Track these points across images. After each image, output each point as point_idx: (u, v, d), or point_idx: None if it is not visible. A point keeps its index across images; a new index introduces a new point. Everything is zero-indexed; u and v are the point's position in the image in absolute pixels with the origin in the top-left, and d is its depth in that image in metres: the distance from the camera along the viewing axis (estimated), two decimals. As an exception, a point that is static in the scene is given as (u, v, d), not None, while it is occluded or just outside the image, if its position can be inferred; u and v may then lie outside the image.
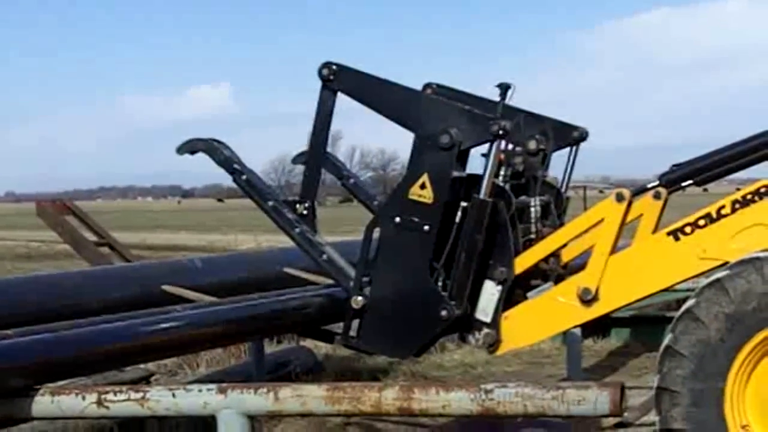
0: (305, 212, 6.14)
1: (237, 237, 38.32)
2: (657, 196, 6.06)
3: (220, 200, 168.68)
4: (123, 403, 4.49)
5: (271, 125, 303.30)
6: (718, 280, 5.12)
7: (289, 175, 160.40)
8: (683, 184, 6.11)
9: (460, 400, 4.17)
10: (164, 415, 4.58)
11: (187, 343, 5.89)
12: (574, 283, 5.86)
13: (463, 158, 5.94)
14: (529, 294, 6.20)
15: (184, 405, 4.45)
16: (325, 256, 6.09)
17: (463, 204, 5.77)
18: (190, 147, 6.29)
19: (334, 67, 6.03)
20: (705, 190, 6.24)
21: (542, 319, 5.95)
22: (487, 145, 5.85)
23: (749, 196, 5.54)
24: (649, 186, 6.09)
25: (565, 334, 9.40)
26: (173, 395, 4.45)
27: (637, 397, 9.39)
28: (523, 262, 5.99)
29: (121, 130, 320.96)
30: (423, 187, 5.76)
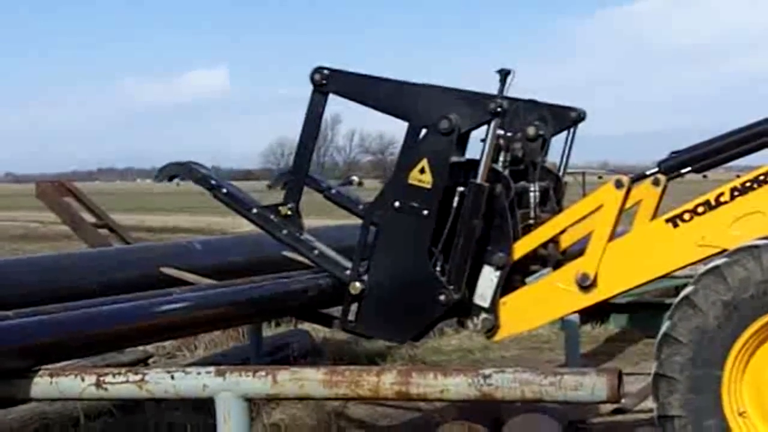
0: (289, 213, 6.14)
1: (235, 219, 38.31)
2: (656, 183, 6.07)
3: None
4: (121, 385, 4.50)
5: (270, 109, 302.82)
6: (716, 267, 5.12)
7: (288, 159, 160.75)
8: (682, 171, 6.09)
9: (458, 385, 4.18)
10: (163, 397, 4.59)
11: (186, 326, 5.90)
12: (573, 268, 5.85)
13: (462, 143, 5.95)
14: (527, 279, 6.20)
15: (183, 387, 4.46)
16: (316, 251, 6.12)
17: (460, 189, 5.78)
18: (167, 173, 6.36)
19: (326, 71, 6.04)
20: (704, 176, 6.24)
21: (540, 304, 5.94)
22: (485, 130, 5.86)
23: (748, 184, 5.54)
24: (648, 173, 6.08)
25: (563, 320, 9.40)
26: (172, 377, 4.46)
27: (635, 383, 9.41)
28: (521, 248, 5.98)
29: (120, 112, 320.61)
30: (422, 171, 5.77)
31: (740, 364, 5.11)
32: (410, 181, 5.79)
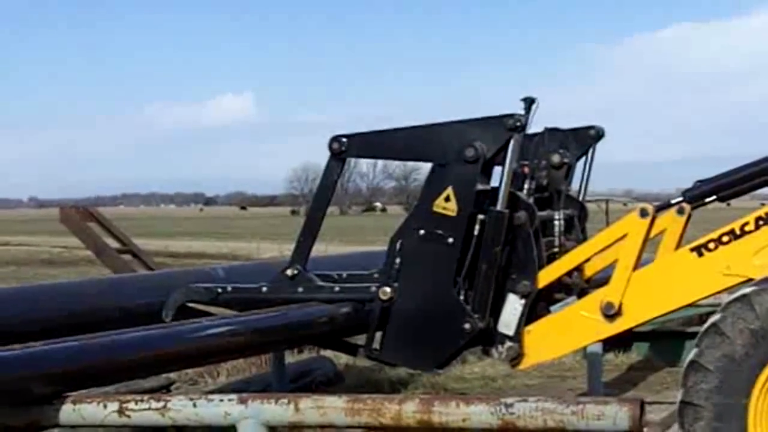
0: (296, 272, 6.22)
1: (260, 245, 38.38)
2: (680, 212, 6.05)
3: (243, 208, 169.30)
4: (144, 412, 4.51)
5: (294, 134, 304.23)
6: (744, 295, 5.11)
7: (312, 184, 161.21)
8: (707, 200, 6.08)
9: (480, 414, 4.18)
10: (185, 424, 4.60)
11: (214, 353, 5.89)
12: (598, 297, 5.87)
13: (487, 171, 5.96)
14: (552, 308, 6.21)
15: (205, 415, 4.47)
16: (337, 288, 6.20)
17: (481, 217, 5.79)
18: (174, 305, 6.43)
19: (344, 139, 6.12)
20: (728, 204, 6.24)
21: (565, 333, 5.96)
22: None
23: None
24: (673, 201, 6.08)
25: (586, 349, 9.38)
26: (194, 405, 4.46)
27: (658, 412, 9.37)
28: (546, 276, 6.00)
29: (144, 137, 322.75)
30: (447, 199, 5.80)
31: (766, 394, 5.08)
32: (435, 209, 5.82)
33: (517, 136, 5.84)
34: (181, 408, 4.47)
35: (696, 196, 6.07)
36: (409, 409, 4.25)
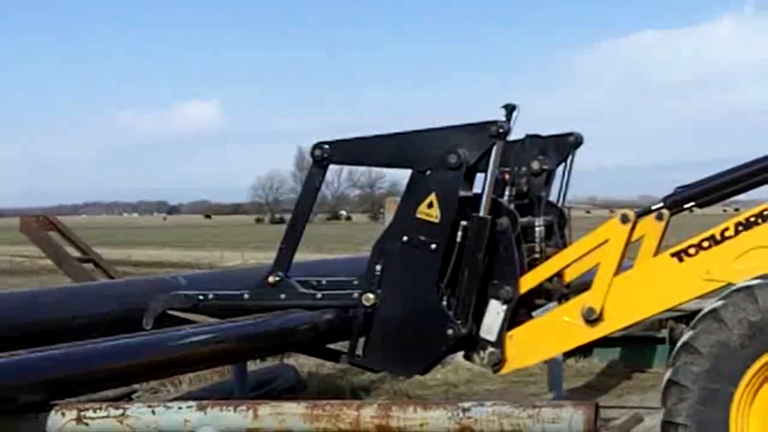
0: (278, 279, 6.23)
1: (223, 254, 38.31)
2: (659, 218, 6.06)
3: (207, 216, 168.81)
4: (103, 420, 4.51)
5: (259, 142, 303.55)
6: (749, 286, 5.17)
7: (277, 193, 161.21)
8: (686, 206, 6.12)
9: (438, 418, 4.22)
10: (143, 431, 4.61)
11: (199, 361, 5.91)
12: (579, 303, 5.91)
13: (470, 178, 6.01)
14: (534, 313, 6.25)
15: (164, 422, 4.48)
16: (319, 296, 6.24)
17: (464, 223, 5.84)
18: (152, 314, 6.39)
19: (326, 146, 6.17)
20: (690, 210, 6.31)
21: (547, 338, 6.00)
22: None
23: (752, 219, 5.61)
24: (654, 207, 6.09)
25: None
26: (153, 412, 4.47)
27: (618, 417, 9.46)
28: (528, 282, 6.04)
29: (106, 146, 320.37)
30: (431, 206, 5.83)
31: (753, 386, 5.15)
32: (418, 216, 5.85)
33: (500, 143, 5.88)
34: (139, 415, 4.48)
35: (677, 201, 6.09)
36: (368, 415, 4.28)
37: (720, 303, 5.19)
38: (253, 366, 11.19)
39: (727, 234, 5.63)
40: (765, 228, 5.59)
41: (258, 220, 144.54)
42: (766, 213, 5.59)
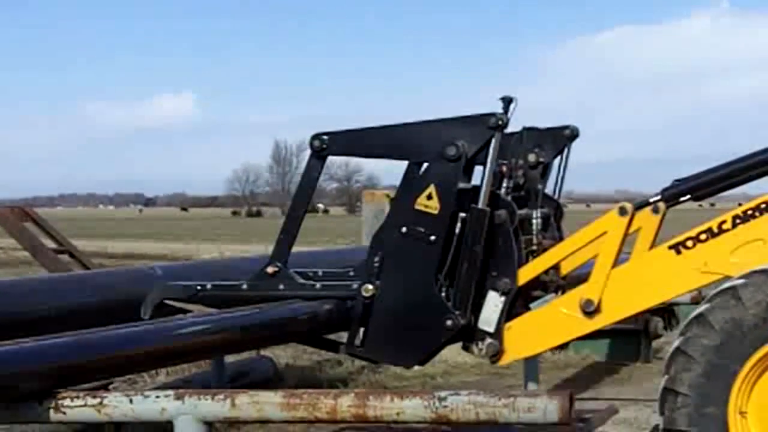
0: (277, 269, 6.24)
1: (199, 246, 38.21)
2: (655, 211, 6.08)
3: (184, 209, 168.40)
4: (80, 408, 4.51)
5: (235, 134, 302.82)
6: (732, 287, 5.25)
7: (254, 185, 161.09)
8: (682, 199, 6.13)
9: (414, 408, 4.24)
10: (121, 421, 4.61)
11: (201, 350, 5.88)
12: (577, 294, 5.93)
13: (469, 170, 6.02)
14: (532, 305, 6.28)
15: (141, 411, 4.48)
16: (318, 286, 6.26)
17: (462, 215, 5.86)
18: (150, 303, 6.39)
19: (325, 137, 6.18)
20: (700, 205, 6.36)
21: (545, 329, 6.02)
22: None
23: (750, 212, 5.65)
24: (651, 200, 6.11)
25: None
26: (130, 401, 4.47)
27: (593, 408, 9.50)
28: (526, 274, 6.06)
29: (83, 138, 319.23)
30: (429, 197, 5.85)
31: (759, 368, 5.23)
32: (417, 207, 5.87)
33: (498, 135, 5.90)
34: (117, 404, 4.48)
35: (674, 194, 6.11)
36: (345, 404, 4.30)
37: (740, 281, 5.23)
38: (230, 357, 11.22)
39: (724, 227, 5.67)
40: (762, 221, 5.62)
41: (234, 213, 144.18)
42: (763, 206, 5.62)
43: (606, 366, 12.22)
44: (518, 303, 6.14)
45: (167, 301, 6.43)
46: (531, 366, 9.51)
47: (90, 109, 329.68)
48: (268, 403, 4.37)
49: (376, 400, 4.27)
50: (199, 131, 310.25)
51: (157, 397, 4.47)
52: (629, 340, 12.73)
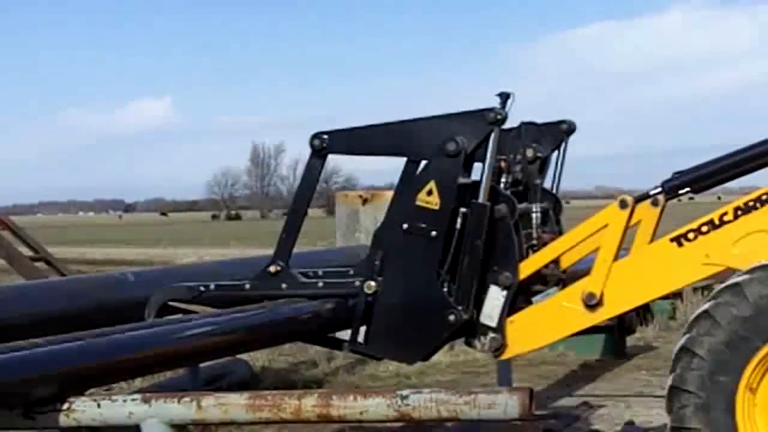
0: (279, 269, 6.26)
1: (176, 251, 38.18)
2: (655, 204, 6.09)
3: (163, 214, 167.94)
4: (49, 413, 4.55)
5: (214, 139, 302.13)
6: (737, 283, 5.28)
7: (233, 189, 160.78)
8: (680, 192, 6.13)
9: (377, 406, 4.30)
10: (90, 425, 4.65)
11: (208, 351, 5.91)
12: (579, 288, 5.93)
13: (468, 165, 6.05)
14: (534, 299, 6.27)
15: (109, 415, 4.52)
16: (320, 284, 6.29)
17: (463, 210, 5.88)
18: (154, 305, 6.42)
19: (325, 136, 6.21)
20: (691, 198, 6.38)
21: (547, 323, 6.03)
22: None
23: (751, 203, 5.66)
24: (652, 192, 6.10)
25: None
26: (98, 405, 4.52)
27: (567, 405, 9.61)
28: (527, 268, 6.07)
29: (62, 144, 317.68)
30: (430, 193, 5.88)
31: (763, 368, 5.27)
32: (418, 203, 5.90)
33: (497, 130, 5.93)
34: (85, 409, 4.52)
35: (675, 186, 6.11)
36: (309, 404, 4.36)
37: (744, 277, 5.27)
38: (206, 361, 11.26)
39: (726, 219, 5.68)
40: (763, 212, 5.63)
41: (214, 217, 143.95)
42: (764, 198, 5.64)
43: (581, 362, 12.32)
44: (520, 298, 6.15)
45: (171, 303, 6.45)
46: (504, 364, 9.58)
47: (68, 115, 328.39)
48: (234, 404, 4.42)
49: (339, 399, 4.33)
50: (178, 135, 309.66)
51: (124, 401, 4.52)
52: (603, 336, 12.81)
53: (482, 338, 5.99)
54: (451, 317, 5.82)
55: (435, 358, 12.17)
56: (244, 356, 11.75)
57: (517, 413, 4.20)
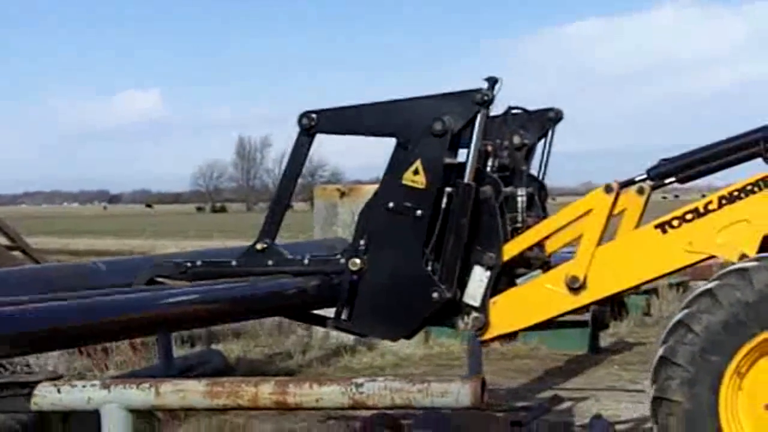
0: (266, 245, 6.29)
1: (157, 242, 38.18)
2: (640, 192, 6.15)
3: (148, 205, 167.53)
4: (10, 398, 4.60)
5: (201, 131, 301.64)
6: (744, 268, 5.34)
7: (218, 181, 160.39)
8: (666, 180, 6.19)
9: (331, 394, 4.35)
10: (50, 410, 4.71)
11: (189, 319, 5.95)
12: (563, 271, 5.99)
13: (455, 146, 6.07)
14: (518, 281, 6.32)
15: (69, 400, 4.57)
16: (306, 261, 6.30)
17: (448, 190, 5.92)
18: (141, 280, 6.48)
19: (314, 115, 6.23)
20: (676, 197, 6.32)
21: (530, 305, 6.08)
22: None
23: (736, 193, 5.72)
24: (637, 179, 6.16)
25: (468, 336, 9.60)
26: (58, 391, 4.57)
27: (537, 398, 9.69)
28: (511, 249, 6.11)
29: (48, 134, 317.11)
30: (416, 173, 5.92)
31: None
32: (404, 182, 5.94)
33: (484, 111, 5.97)
34: (46, 394, 4.57)
35: (661, 173, 6.17)
36: (266, 391, 4.41)
37: (753, 263, 5.34)
38: (181, 350, 11.31)
39: (710, 207, 5.74)
40: (747, 202, 5.69)
41: (199, 209, 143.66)
42: (749, 188, 5.69)
43: (554, 356, 12.41)
44: (503, 280, 6.20)
45: (158, 279, 6.49)
46: (475, 356, 9.64)
47: (55, 106, 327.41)
48: (192, 391, 4.47)
49: (295, 387, 4.38)
50: (165, 128, 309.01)
51: (84, 386, 4.56)
52: (576, 330, 12.89)
53: (465, 318, 6.05)
54: (435, 295, 5.87)
55: (409, 350, 12.36)
56: (219, 347, 11.83)
57: (469, 401, 4.27)
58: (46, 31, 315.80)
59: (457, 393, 4.25)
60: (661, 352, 5.44)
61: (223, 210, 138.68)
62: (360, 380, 4.35)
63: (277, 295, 6.33)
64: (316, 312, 6.81)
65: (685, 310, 5.42)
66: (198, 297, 5.83)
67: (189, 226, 64.44)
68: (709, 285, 5.42)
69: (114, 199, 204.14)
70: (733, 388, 5.34)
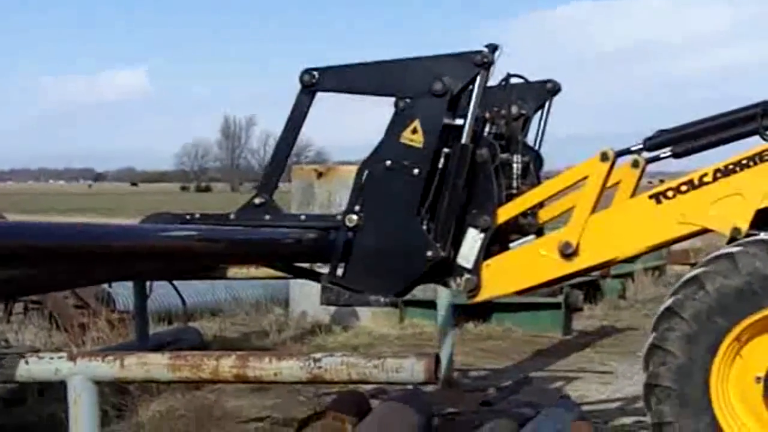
0: (264, 200, 6.32)
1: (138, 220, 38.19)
2: (635, 165, 6.16)
3: (134, 184, 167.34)
4: (-20, 371, 4.71)
5: (186, 110, 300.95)
6: (730, 253, 5.39)
7: (203, 161, 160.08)
8: (662, 152, 6.19)
9: (290, 368, 4.47)
10: (18, 381, 4.82)
11: (177, 253, 5.70)
12: (556, 237, 6.02)
13: (454, 106, 6.10)
14: (511, 245, 6.36)
15: (36, 371, 4.67)
16: (303, 217, 6.37)
17: (445, 150, 5.97)
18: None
19: (315, 72, 6.23)
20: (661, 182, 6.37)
21: (522, 269, 6.10)
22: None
23: (731, 166, 5.73)
24: (633, 148, 6.17)
25: (439, 316, 9.74)
26: (26, 362, 4.67)
27: (508, 380, 9.84)
28: (506, 213, 6.13)
29: (33, 112, 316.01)
30: (414, 131, 5.96)
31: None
32: (402, 141, 5.97)
33: (484, 73, 6.00)
34: (14, 365, 4.68)
35: (658, 144, 6.18)
36: (226, 365, 4.53)
37: (738, 248, 5.40)
38: (160, 328, 11.44)
39: (705, 180, 5.75)
40: (742, 176, 5.71)
41: (183, 188, 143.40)
42: (744, 161, 5.72)
43: (527, 338, 12.56)
44: (497, 246, 6.26)
45: None
46: (446, 337, 9.79)
47: (41, 83, 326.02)
48: (155, 364, 4.59)
49: (255, 361, 4.50)
50: (151, 106, 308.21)
51: (51, 358, 4.68)
52: (550, 313, 13.07)
53: (458, 279, 6.09)
54: (429, 253, 5.90)
55: (384, 330, 12.50)
56: (196, 325, 11.96)
57: (423, 377, 4.39)
58: (31, 8, 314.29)
59: (411, 369, 4.38)
60: (651, 339, 5.52)
61: (207, 189, 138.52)
62: (318, 355, 4.48)
63: (274, 243, 6.32)
64: (310, 267, 6.83)
65: (674, 297, 5.49)
66: (199, 234, 5.78)
67: (174, 205, 64.27)
68: (696, 271, 5.48)
69: (99, 177, 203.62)
70: (724, 372, 5.42)
